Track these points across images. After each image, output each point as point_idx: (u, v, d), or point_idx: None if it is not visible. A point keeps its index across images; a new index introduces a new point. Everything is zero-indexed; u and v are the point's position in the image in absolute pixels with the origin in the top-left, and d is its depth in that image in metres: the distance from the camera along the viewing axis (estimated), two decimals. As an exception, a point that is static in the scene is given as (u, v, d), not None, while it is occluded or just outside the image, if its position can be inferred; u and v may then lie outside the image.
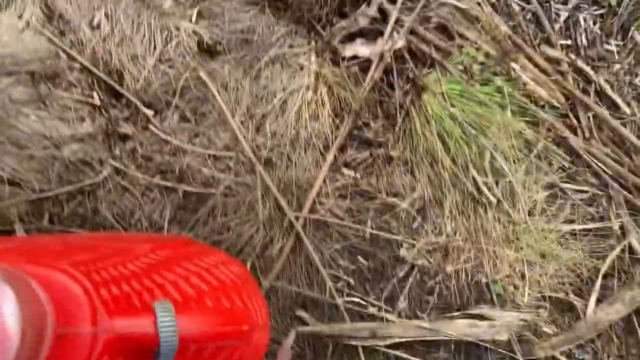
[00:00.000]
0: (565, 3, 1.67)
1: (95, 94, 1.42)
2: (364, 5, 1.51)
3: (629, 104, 1.59)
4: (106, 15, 1.45)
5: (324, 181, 1.40)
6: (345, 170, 1.43)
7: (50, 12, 1.47)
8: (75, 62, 1.42)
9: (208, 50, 1.46)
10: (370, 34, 1.52)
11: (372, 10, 1.50)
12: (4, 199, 1.32)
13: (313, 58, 1.48)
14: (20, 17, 1.45)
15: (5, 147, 1.33)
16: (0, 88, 1.35)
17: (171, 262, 0.89)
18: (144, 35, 1.45)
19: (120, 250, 0.89)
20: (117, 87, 1.42)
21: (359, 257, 1.39)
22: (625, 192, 1.51)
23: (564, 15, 1.65)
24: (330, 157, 1.41)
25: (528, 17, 1.63)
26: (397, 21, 1.51)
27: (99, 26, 1.45)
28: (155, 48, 1.44)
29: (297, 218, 1.36)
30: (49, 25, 1.45)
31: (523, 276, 1.41)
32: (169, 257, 0.92)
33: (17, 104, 1.36)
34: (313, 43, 1.50)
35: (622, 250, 1.45)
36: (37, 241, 0.90)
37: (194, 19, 1.47)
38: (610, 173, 1.52)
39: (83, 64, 1.42)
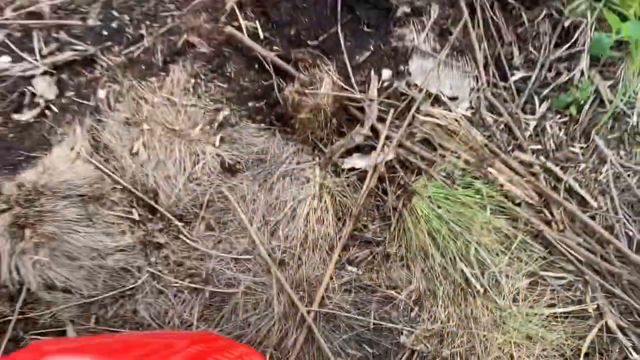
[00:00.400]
0: (533, 113, 2.00)
1: (134, 211, 1.73)
2: (358, 126, 1.84)
3: (595, 199, 1.87)
4: (144, 144, 1.79)
5: (331, 278, 1.66)
6: (349, 267, 1.70)
7: (97, 143, 1.81)
8: (118, 185, 1.74)
9: (229, 169, 1.78)
10: (365, 149, 1.84)
11: (366, 130, 1.83)
12: (58, 304, 1.59)
13: (317, 171, 1.79)
14: (72, 149, 1.79)
15: (60, 260, 1.62)
16: (57, 210, 1.66)
17: (205, 355, 1.16)
18: (176, 159, 1.77)
19: (165, 345, 1.16)
20: (153, 203, 1.73)
21: (365, 345, 1.62)
22: (599, 278, 1.74)
23: (532, 124, 1.97)
24: (335, 256, 1.68)
25: (501, 127, 1.94)
26: (387, 137, 1.83)
27: (137, 153, 1.79)
28: (185, 169, 1.77)
29: (308, 312, 1.60)
30: (96, 155, 1.78)
31: (512, 357, 1.62)
32: (203, 351, 1.19)
33: (70, 222, 1.66)
34: (317, 159, 1.82)
35: (600, 330, 1.66)
36: (105, 340, 1.16)
37: (217, 143, 1.80)
38: (584, 260, 1.76)
39: (124, 185, 1.74)
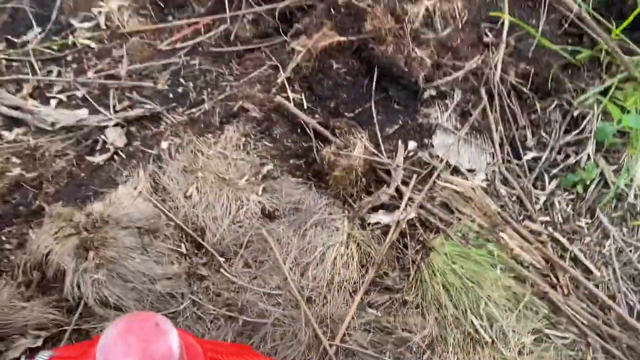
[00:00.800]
0: (543, 189, 2.25)
1: (183, 245, 2.00)
2: (384, 187, 2.12)
3: (599, 269, 2.06)
4: (197, 189, 2.09)
5: (353, 317, 1.87)
6: (369, 309, 1.91)
7: (156, 185, 2.12)
8: (171, 222, 2.03)
9: (269, 215, 2.05)
10: (390, 207, 2.11)
11: (391, 190, 2.10)
12: (109, 319, 1.82)
13: (346, 223, 2.05)
14: (135, 188, 2.10)
15: (115, 281, 1.87)
16: (118, 237, 1.94)
17: (242, 354, 1.38)
18: (223, 204, 2.06)
19: (211, 342, 1.39)
20: (200, 240, 2.00)
21: (379, 381, 1.79)
22: (600, 340, 1.90)
23: (542, 198, 2.22)
24: (357, 298, 1.90)
25: (513, 199, 2.19)
26: (409, 199, 2.09)
27: (190, 196, 2.08)
28: (230, 213, 2.05)
29: (330, 346, 1.80)
30: (155, 195, 2.09)
31: (516, 405, 1.77)
32: (240, 351, 1.41)
33: (128, 249, 1.93)
34: (346, 212, 2.09)
35: (600, 387, 1.81)
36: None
37: (259, 193, 2.09)
38: (587, 323, 1.93)
39: (177, 222, 2.02)
